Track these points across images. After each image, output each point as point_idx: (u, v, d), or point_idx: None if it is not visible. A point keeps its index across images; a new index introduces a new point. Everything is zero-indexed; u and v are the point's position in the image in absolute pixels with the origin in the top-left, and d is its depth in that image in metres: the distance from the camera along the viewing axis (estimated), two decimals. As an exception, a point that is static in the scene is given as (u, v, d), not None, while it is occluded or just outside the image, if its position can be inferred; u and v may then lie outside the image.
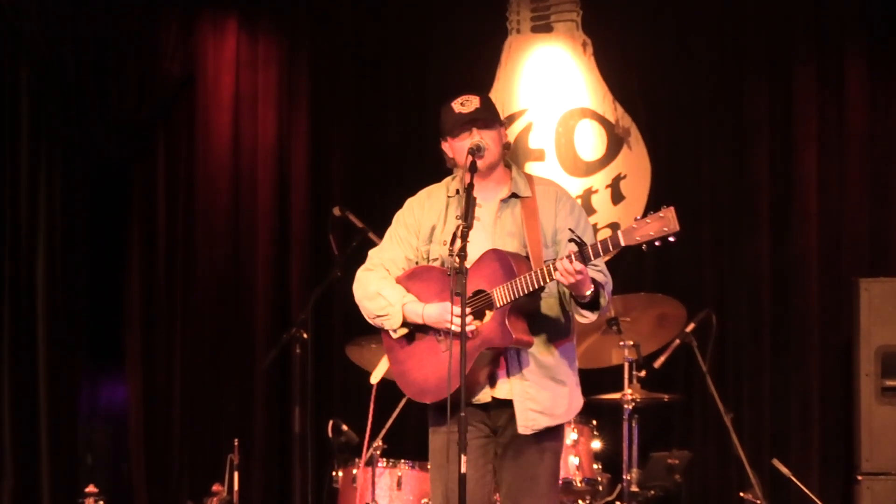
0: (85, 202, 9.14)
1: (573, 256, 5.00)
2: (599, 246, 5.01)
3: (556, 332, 5.38)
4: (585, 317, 5.27)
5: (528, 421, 5.30)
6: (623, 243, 4.97)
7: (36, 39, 8.80)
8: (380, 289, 5.44)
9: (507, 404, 5.32)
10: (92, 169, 9.20)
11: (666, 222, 4.93)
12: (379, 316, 5.44)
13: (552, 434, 5.39)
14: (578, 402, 5.49)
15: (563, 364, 5.39)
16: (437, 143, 5.50)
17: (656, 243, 4.94)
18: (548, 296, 5.32)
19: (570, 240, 5.05)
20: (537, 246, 5.29)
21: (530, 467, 5.36)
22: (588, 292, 5.12)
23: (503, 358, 5.30)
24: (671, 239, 4.94)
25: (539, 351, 5.31)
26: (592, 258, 5.03)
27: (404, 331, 5.43)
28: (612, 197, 9.20)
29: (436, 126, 5.47)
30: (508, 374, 5.31)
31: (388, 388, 5.77)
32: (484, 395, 5.33)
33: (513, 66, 9.38)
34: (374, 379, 6.07)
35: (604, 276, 5.27)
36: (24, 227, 8.87)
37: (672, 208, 4.93)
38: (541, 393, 5.31)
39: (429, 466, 5.57)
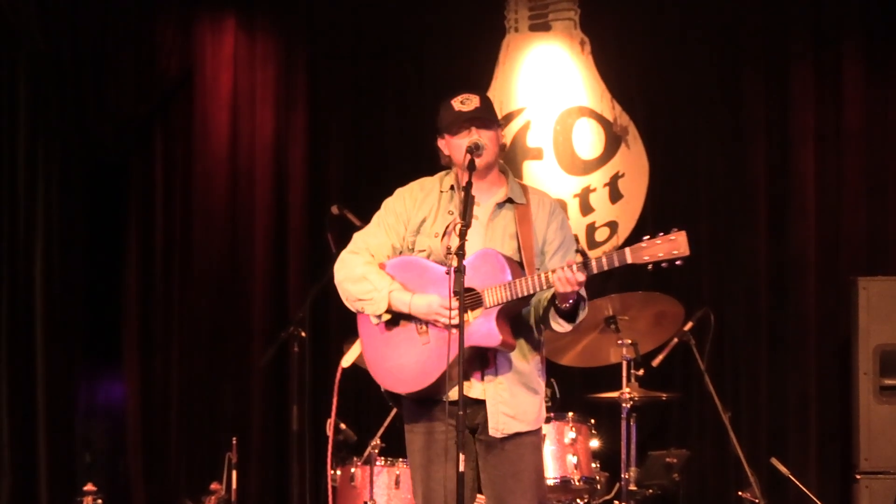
0: (82, 199, 9.13)
1: (576, 267, 5.01)
2: (605, 260, 5.01)
3: (532, 342, 5.39)
4: (561, 325, 5.28)
5: (499, 424, 5.30)
6: (630, 261, 4.98)
7: (33, 35, 8.78)
8: (366, 273, 5.40)
9: (480, 404, 5.31)
10: (89, 165, 9.18)
11: (676, 245, 4.94)
12: (361, 300, 5.40)
13: (529, 434, 5.38)
14: (544, 412, 5.50)
15: (535, 373, 5.40)
16: (434, 140, 5.50)
17: (663, 265, 4.95)
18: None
19: (577, 250, 5.07)
20: (530, 252, 5.30)
21: (512, 464, 5.34)
22: (571, 301, 5.15)
23: (480, 359, 5.30)
24: (678, 262, 4.94)
25: (516, 357, 5.32)
26: (595, 271, 5.03)
27: (387, 317, 5.38)
28: (611, 195, 9.19)
29: (433, 123, 5.46)
30: (483, 376, 5.30)
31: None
32: (455, 393, 5.24)
33: (511, 65, 9.37)
34: (346, 363, 6.04)
35: (584, 293, 5.27)
36: (21, 223, 8.84)
37: (683, 232, 4.94)
38: (515, 398, 5.31)
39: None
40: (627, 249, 4.98)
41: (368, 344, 5.49)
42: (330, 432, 6.80)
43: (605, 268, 5.02)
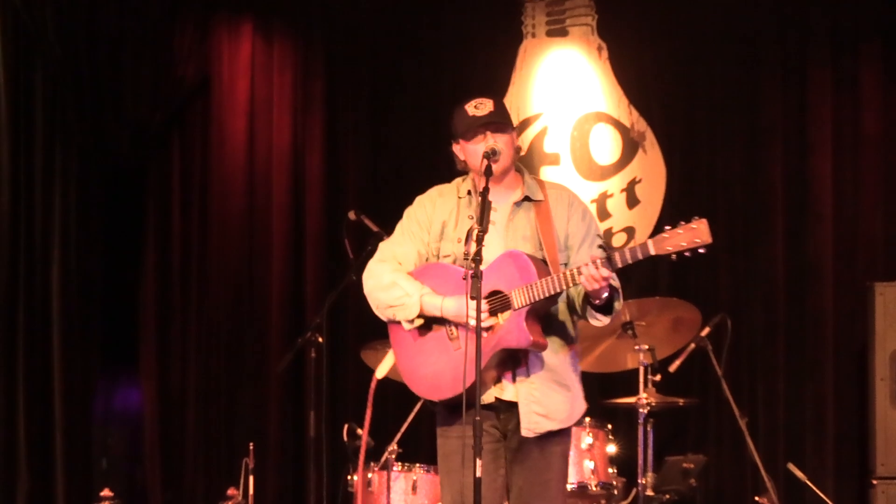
0: (100, 205, 9.15)
1: (599, 262, 4.99)
2: (628, 253, 5.00)
3: (564, 336, 5.38)
4: (599, 320, 5.27)
5: (531, 423, 5.30)
6: (653, 252, 4.97)
7: (51, 42, 8.80)
8: (396, 279, 5.40)
9: (514, 407, 5.32)
10: (107, 172, 9.20)
11: (698, 233, 4.93)
12: (392, 306, 5.40)
13: (560, 437, 5.39)
14: (581, 407, 5.49)
15: (568, 369, 5.39)
16: (449, 145, 5.50)
17: (686, 254, 4.95)
18: (559, 300, 5.33)
19: (599, 246, 5.07)
20: (553, 249, 5.30)
21: (540, 472, 5.35)
22: (605, 295, 5.13)
23: (512, 360, 5.30)
24: (701, 250, 4.94)
25: (547, 354, 5.31)
26: (620, 265, 5.02)
27: (420, 321, 5.38)
28: (628, 201, 9.19)
29: (449, 128, 5.46)
30: (515, 377, 5.31)
31: (404, 392, 5.74)
32: (488, 397, 5.31)
33: (528, 70, 9.38)
34: (380, 374, 6.03)
35: (617, 283, 5.27)
36: (38, 230, 8.84)
37: (705, 220, 4.94)
38: (546, 396, 5.31)
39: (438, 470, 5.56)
40: (650, 241, 4.98)
41: (401, 353, 5.50)
42: (363, 443, 6.81)
43: (630, 261, 5.01)
